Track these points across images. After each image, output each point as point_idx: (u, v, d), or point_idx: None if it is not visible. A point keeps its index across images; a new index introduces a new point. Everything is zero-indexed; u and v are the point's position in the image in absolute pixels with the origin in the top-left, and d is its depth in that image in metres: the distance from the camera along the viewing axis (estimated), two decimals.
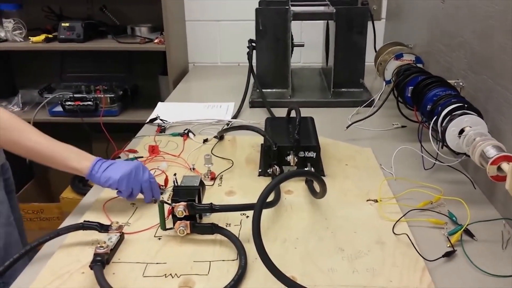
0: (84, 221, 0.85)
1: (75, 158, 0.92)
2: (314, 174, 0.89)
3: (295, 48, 1.68)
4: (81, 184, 2.09)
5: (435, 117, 1.00)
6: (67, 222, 0.93)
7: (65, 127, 2.04)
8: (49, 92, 2.06)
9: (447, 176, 1.09)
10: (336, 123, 1.43)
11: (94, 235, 0.84)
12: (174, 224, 0.85)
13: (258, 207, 0.73)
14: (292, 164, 1.05)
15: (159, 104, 1.64)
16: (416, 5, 1.67)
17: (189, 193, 0.87)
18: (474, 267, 0.79)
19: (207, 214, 0.91)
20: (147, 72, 2.24)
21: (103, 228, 0.84)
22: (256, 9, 1.60)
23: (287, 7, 1.57)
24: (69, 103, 1.96)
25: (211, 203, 0.85)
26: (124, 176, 0.92)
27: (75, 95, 1.97)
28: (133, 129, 1.45)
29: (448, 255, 0.81)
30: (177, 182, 0.93)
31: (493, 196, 0.99)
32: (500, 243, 0.86)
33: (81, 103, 1.95)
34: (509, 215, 0.90)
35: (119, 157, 1.22)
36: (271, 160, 1.06)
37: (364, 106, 1.50)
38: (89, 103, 1.96)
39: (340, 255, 0.82)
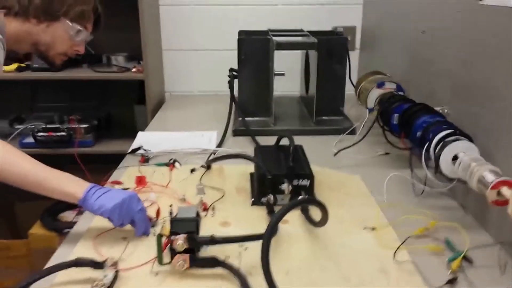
0: (77, 258, 0.80)
1: (69, 184, 0.90)
2: (318, 202, 0.88)
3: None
4: (51, 218, 2.00)
5: (427, 143, 1.02)
6: (54, 260, 0.87)
7: (37, 159, 1.96)
8: (20, 123, 1.98)
9: (437, 202, 1.11)
10: (320, 150, 1.43)
11: (86, 272, 0.79)
12: (172, 258, 0.82)
13: (266, 238, 0.70)
14: (286, 192, 1.04)
15: (140, 133, 1.61)
16: (392, 35, 1.72)
17: (188, 225, 0.84)
18: None
19: (205, 246, 0.87)
20: (121, 101, 2.19)
21: (97, 265, 0.79)
22: (239, 39, 1.61)
23: (269, 37, 1.59)
24: (41, 134, 1.89)
25: (212, 235, 0.82)
26: (117, 206, 0.89)
27: (47, 126, 1.90)
28: (109, 160, 1.41)
29: (452, 282, 0.81)
30: (172, 214, 0.90)
31: (485, 221, 1.00)
32: (497, 267, 0.86)
33: (54, 134, 1.88)
34: (504, 239, 0.91)
35: None
36: (266, 189, 1.04)
37: (347, 134, 1.53)
38: (63, 133, 1.89)
39: (346, 284, 0.80)
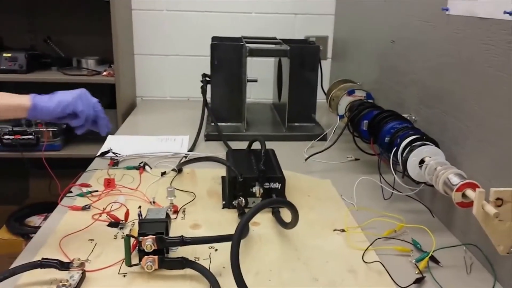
0: (43, 258, 0.78)
1: (12, 98, 0.85)
2: (288, 203, 0.88)
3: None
4: (18, 223, 1.95)
5: (395, 148, 1.04)
6: (18, 262, 0.85)
7: (2, 163, 1.90)
8: None
9: (405, 205, 1.13)
10: (292, 156, 1.45)
11: (52, 273, 0.77)
12: (140, 260, 0.80)
13: (236, 238, 0.70)
14: (257, 195, 1.04)
15: (110, 137, 1.58)
16: (363, 45, 1.76)
17: (157, 226, 0.83)
18: None
19: (173, 248, 0.87)
20: None
21: (63, 266, 0.77)
22: (212, 44, 1.61)
23: (242, 43, 1.60)
24: (8, 137, 1.83)
25: (182, 236, 0.81)
26: (77, 96, 0.87)
27: (14, 129, 1.85)
28: (77, 164, 1.38)
29: (419, 281, 0.83)
30: (141, 215, 0.89)
31: (451, 224, 1.03)
32: (463, 268, 0.89)
33: (21, 137, 1.83)
34: (469, 241, 0.94)
35: (71, 192, 1.15)
36: (237, 191, 1.04)
37: (318, 140, 1.55)
38: (30, 136, 1.85)
39: (315, 285, 0.81)
